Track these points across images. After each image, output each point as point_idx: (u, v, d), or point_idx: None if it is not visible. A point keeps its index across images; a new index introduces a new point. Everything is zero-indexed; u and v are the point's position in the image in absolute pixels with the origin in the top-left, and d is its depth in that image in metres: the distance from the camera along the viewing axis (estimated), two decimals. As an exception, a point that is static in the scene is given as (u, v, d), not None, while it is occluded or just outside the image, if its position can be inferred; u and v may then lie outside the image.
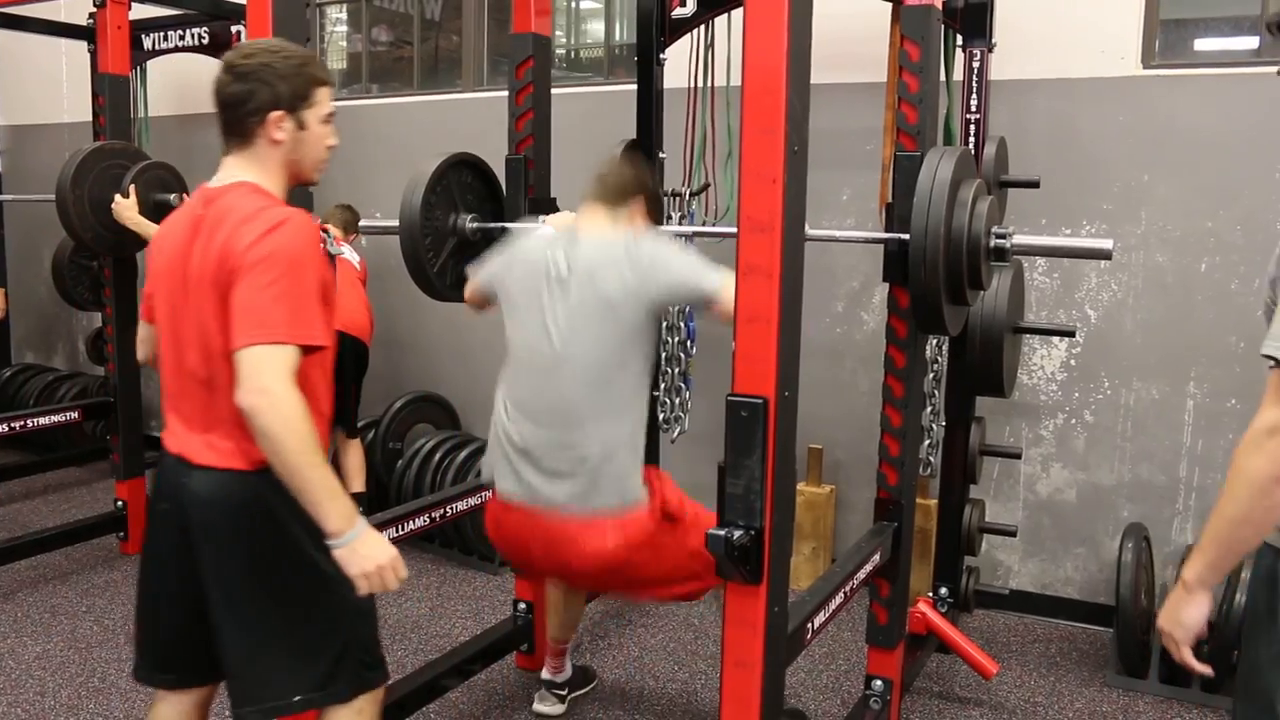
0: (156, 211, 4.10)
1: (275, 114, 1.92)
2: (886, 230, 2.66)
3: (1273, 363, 1.54)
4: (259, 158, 1.96)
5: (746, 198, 1.84)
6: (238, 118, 1.93)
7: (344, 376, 4.10)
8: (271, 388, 1.74)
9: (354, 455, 4.44)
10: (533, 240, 2.68)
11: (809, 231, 2.06)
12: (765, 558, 1.90)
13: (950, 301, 2.45)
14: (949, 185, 2.35)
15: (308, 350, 1.84)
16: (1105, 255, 2.52)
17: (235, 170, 1.97)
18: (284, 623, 1.97)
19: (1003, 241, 2.48)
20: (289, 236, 1.84)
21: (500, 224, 3.14)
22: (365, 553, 1.84)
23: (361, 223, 4.27)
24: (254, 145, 1.96)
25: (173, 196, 4.17)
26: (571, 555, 2.49)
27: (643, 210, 2.69)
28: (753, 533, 1.88)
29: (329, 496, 1.80)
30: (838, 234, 2.85)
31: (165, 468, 2.02)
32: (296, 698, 1.97)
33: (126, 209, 3.97)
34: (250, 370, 1.76)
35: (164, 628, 2.09)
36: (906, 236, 2.44)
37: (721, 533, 1.85)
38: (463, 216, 3.12)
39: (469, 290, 2.86)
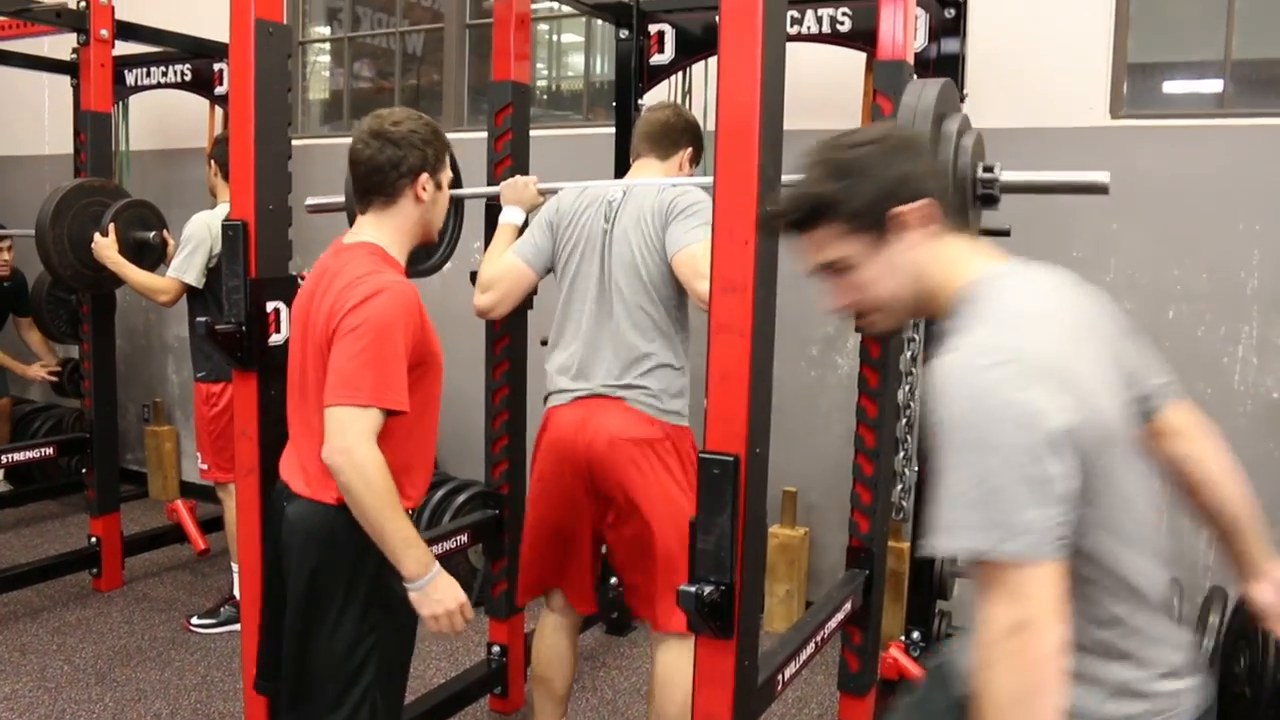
0: (136, 250, 4.12)
1: (423, 176, 2.16)
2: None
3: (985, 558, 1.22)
4: (399, 216, 2.18)
5: (719, 259, 1.87)
6: (389, 180, 2.14)
7: None
8: (353, 447, 1.93)
9: None
10: (585, 195, 2.76)
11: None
12: (736, 613, 1.92)
13: None
14: (931, 118, 2.17)
15: (390, 413, 1.99)
16: (1101, 189, 2.31)
17: (367, 230, 2.18)
18: (325, 654, 2.10)
19: (990, 176, 2.27)
20: (384, 305, 2.00)
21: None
22: (438, 597, 2.05)
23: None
24: (397, 205, 2.17)
25: (152, 235, 4.19)
26: (611, 426, 2.56)
27: (690, 156, 2.83)
28: (723, 588, 1.90)
29: (405, 546, 2.00)
30: None
31: (275, 491, 2.24)
32: None
33: (106, 248, 3.98)
34: (336, 429, 1.96)
35: (272, 641, 2.27)
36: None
37: (692, 589, 1.87)
38: None
39: (493, 279, 2.79)
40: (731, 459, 1.86)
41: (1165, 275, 3.69)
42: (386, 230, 2.17)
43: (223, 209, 3.90)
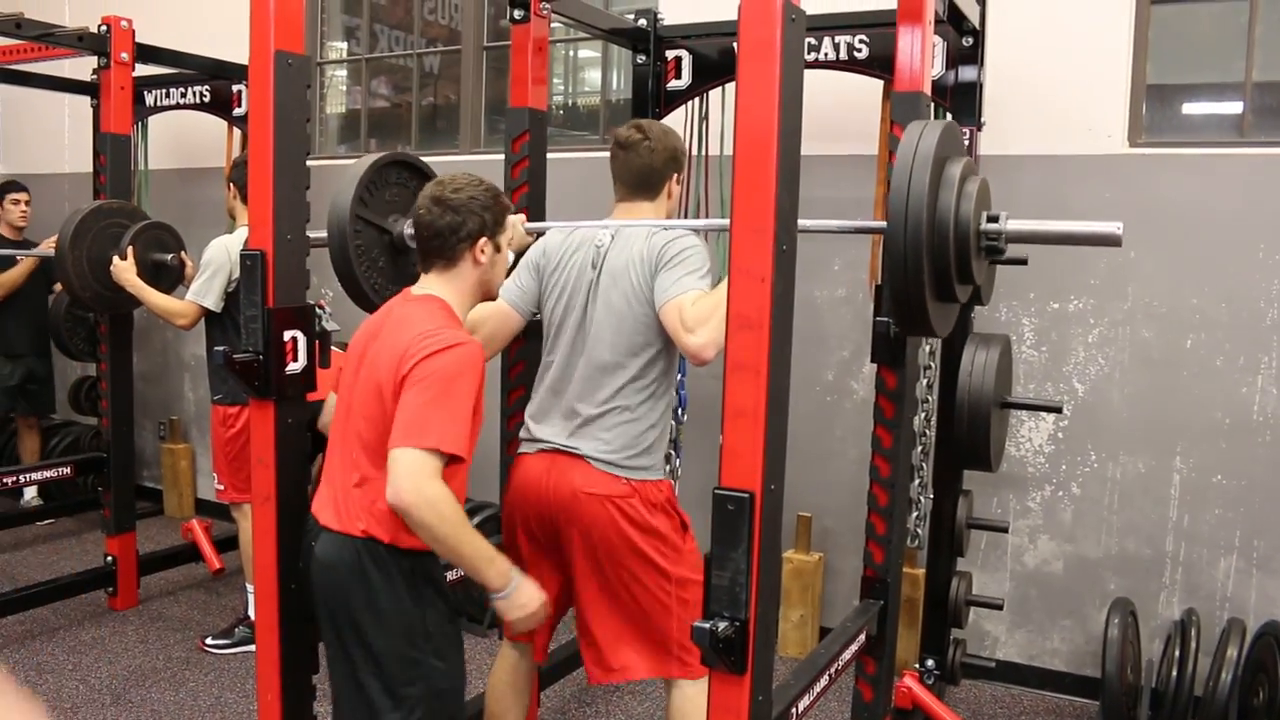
0: (155, 272, 4.15)
1: (481, 240, 2.26)
2: (876, 312, 2.70)
3: None
4: (460, 278, 2.29)
5: (735, 295, 1.87)
6: (450, 244, 2.25)
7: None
8: (422, 487, 2.03)
9: None
10: (573, 237, 2.68)
11: (802, 223, 2.01)
12: (750, 648, 1.92)
13: (936, 298, 2.10)
14: (932, 161, 2.01)
15: (451, 460, 2.08)
16: (1114, 241, 2.14)
17: (434, 285, 2.29)
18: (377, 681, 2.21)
19: (995, 226, 2.12)
20: (456, 359, 2.11)
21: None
22: (522, 602, 2.23)
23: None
24: (458, 267, 2.28)
25: (170, 257, 4.21)
26: (578, 485, 2.47)
27: (677, 179, 2.71)
28: (738, 624, 1.89)
29: (486, 564, 2.16)
30: (820, 224, 2.48)
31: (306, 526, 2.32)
32: None
33: (125, 271, 4.01)
34: (403, 470, 2.03)
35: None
36: (890, 321, 2.47)
37: (707, 625, 1.87)
38: (403, 221, 2.80)
39: (479, 321, 2.66)
40: (747, 496, 1.86)
41: (1184, 304, 3.67)
42: (451, 289, 2.29)
43: (241, 233, 3.92)
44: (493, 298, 2.43)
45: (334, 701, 2.32)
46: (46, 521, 5.66)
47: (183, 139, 5.65)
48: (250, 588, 4.09)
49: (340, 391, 2.33)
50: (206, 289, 3.89)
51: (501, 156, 3.35)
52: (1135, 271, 3.73)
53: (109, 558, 4.51)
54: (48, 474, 4.51)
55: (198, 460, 5.93)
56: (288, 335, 2.42)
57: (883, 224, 2.13)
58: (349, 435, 2.24)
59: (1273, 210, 3.53)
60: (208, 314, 3.95)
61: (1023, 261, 3.42)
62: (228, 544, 4.63)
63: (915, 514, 3.52)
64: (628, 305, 2.50)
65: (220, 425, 4.03)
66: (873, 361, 2.74)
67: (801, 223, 2.03)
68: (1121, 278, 3.75)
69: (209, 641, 4.16)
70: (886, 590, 2.85)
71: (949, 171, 2.05)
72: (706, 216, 4.02)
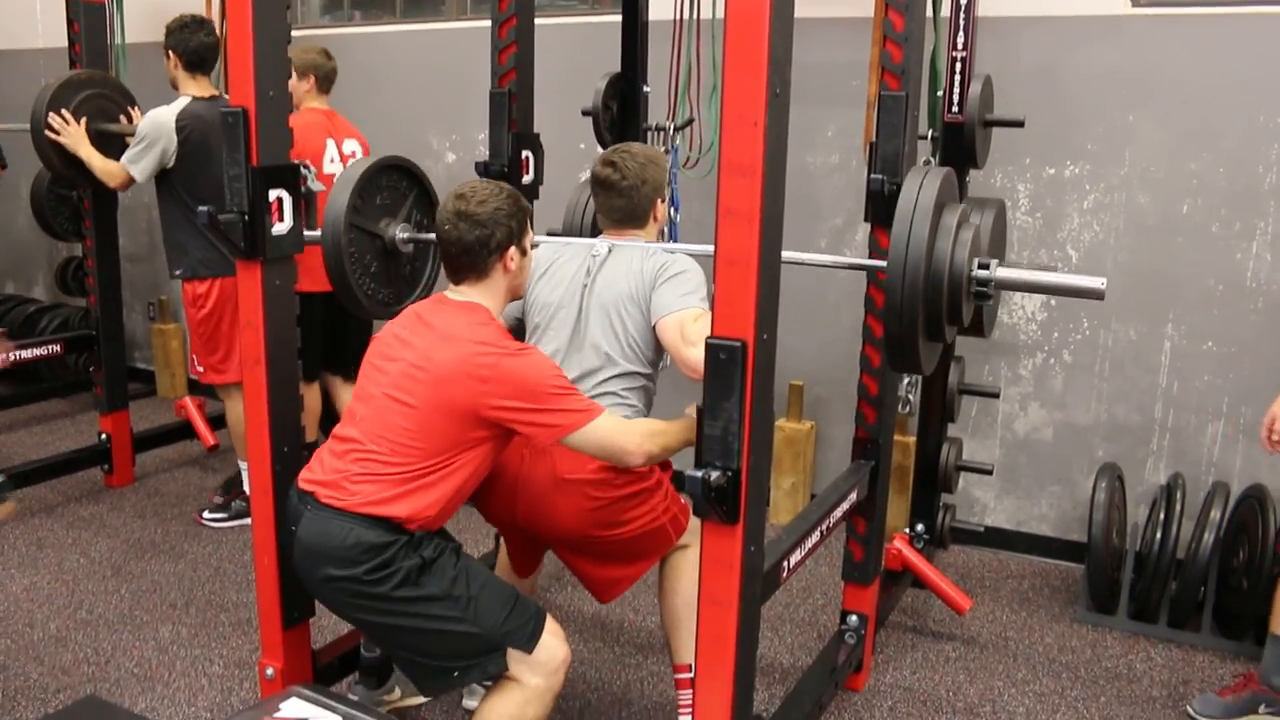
0: (102, 140, 4.07)
1: (510, 249, 2.30)
2: (870, 170, 2.66)
3: None
4: (492, 287, 2.33)
5: (727, 141, 1.83)
6: (480, 258, 2.28)
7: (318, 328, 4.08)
8: (627, 448, 2.23)
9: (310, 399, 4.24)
10: (564, 254, 2.68)
11: (786, 255, 2.03)
12: (742, 498, 1.93)
13: (926, 338, 2.22)
14: (931, 211, 2.12)
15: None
16: (1097, 295, 2.22)
17: (471, 292, 2.33)
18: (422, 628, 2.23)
19: (986, 274, 2.21)
20: (529, 362, 2.22)
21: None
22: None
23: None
24: (490, 278, 2.32)
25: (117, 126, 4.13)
26: (559, 470, 2.46)
27: (660, 202, 2.71)
28: (730, 473, 1.90)
29: (679, 443, 2.32)
30: (811, 258, 2.59)
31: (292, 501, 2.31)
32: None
33: (75, 138, 3.96)
34: (600, 446, 2.23)
35: None
36: (884, 178, 2.44)
37: (699, 473, 1.87)
38: (393, 225, 2.75)
39: None
40: (739, 344, 1.84)
41: (1181, 169, 3.63)
42: (486, 296, 2.33)
43: (179, 103, 3.85)
44: (520, 296, 2.48)
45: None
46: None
47: (160, 10, 5.46)
48: (243, 464, 4.10)
49: (361, 380, 2.35)
50: (137, 158, 3.82)
51: (488, 23, 3.26)
52: (1133, 137, 3.68)
53: (103, 435, 4.53)
54: (37, 351, 4.48)
55: (188, 340, 5.91)
56: (273, 195, 2.37)
57: (879, 263, 2.29)
58: (363, 417, 2.26)
59: (1275, 73, 3.46)
60: (158, 187, 3.91)
61: (1019, 124, 3.37)
62: (221, 421, 4.64)
63: (907, 380, 3.52)
64: (623, 310, 2.51)
65: (191, 306, 3.98)
66: (866, 221, 2.70)
67: (798, 256, 2.32)
68: (1119, 143, 3.70)
69: (206, 516, 4.20)
70: (878, 451, 2.87)
71: (946, 219, 2.18)
72: (699, 82, 3.94)
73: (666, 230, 3.74)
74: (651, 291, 2.50)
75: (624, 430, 2.25)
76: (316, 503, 2.20)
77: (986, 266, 2.22)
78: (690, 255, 2.57)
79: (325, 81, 4.17)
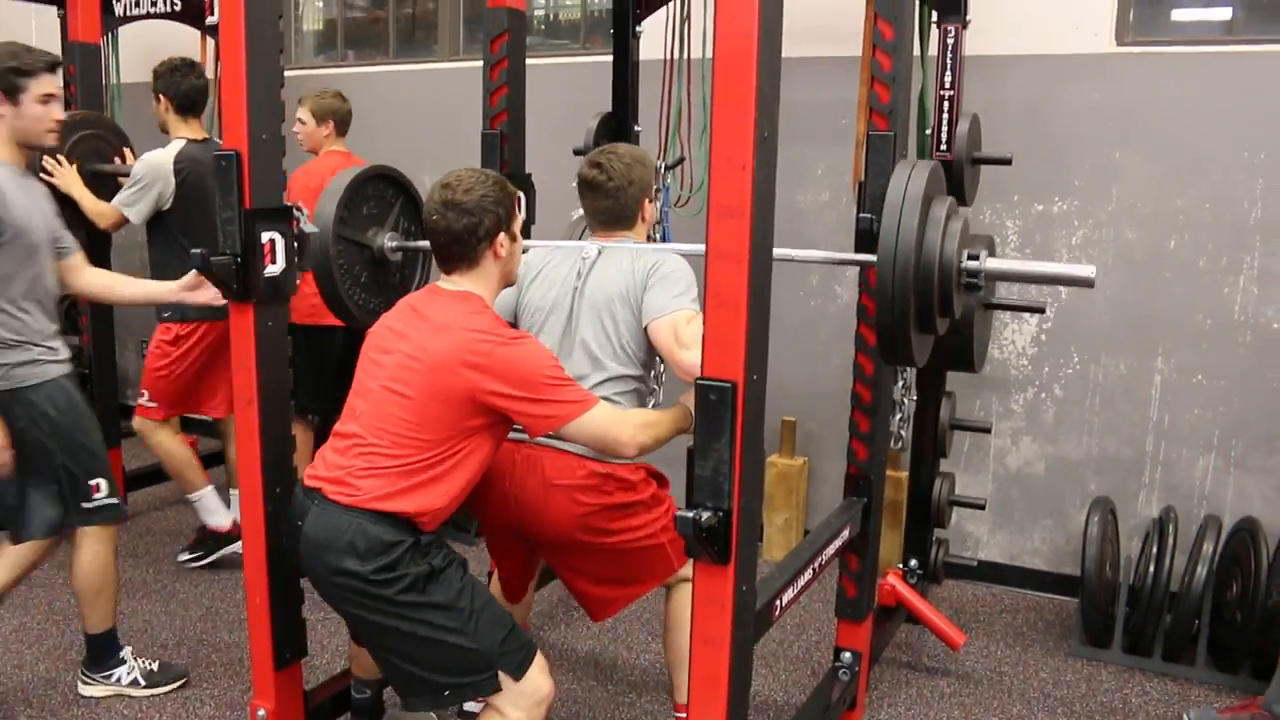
0: (95, 180, 4.10)
1: (499, 236, 2.29)
2: (859, 209, 2.68)
3: None
4: (484, 275, 2.32)
5: (716, 183, 1.85)
6: (470, 246, 2.27)
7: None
8: (620, 439, 2.23)
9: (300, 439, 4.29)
10: (555, 257, 2.69)
11: (778, 252, 2.03)
12: (733, 538, 1.93)
13: (918, 330, 2.21)
14: (920, 202, 2.11)
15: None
16: (1087, 283, 2.20)
17: (463, 281, 2.32)
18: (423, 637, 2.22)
19: (975, 264, 2.21)
20: (527, 350, 2.22)
21: (424, 244, 2.82)
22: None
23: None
24: (480, 266, 2.31)
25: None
26: (549, 476, 2.47)
27: (649, 201, 2.72)
28: (721, 514, 1.90)
29: (671, 431, 2.36)
30: (803, 254, 2.62)
31: (296, 499, 2.30)
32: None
33: (68, 180, 3.96)
34: (596, 435, 2.23)
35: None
36: (873, 217, 2.46)
37: (690, 514, 1.88)
38: (381, 234, 2.79)
39: None
40: (729, 385, 1.85)
41: (1168, 205, 3.67)
42: (479, 284, 2.33)
43: (174, 146, 3.86)
44: (513, 283, 2.46)
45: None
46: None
47: (154, 51, 5.49)
48: (191, 497, 4.08)
49: (358, 375, 2.34)
50: (133, 200, 3.82)
51: (480, 64, 3.29)
52: (1120, 173, 3.72)
53: (95, 474, 4.49)
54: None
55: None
56: (265, 237, 2.38)
57: (869, 257, 2.29)
58: (362, 411, 2.26)
59: (1260, 109, 3.51)
60: (150, 228, 3.92)
61: (1007, 161, 3.40)
62: (214, 460, 4.63)
63: (899, 415, 3.53)
64: (614, 310, 2.52)
65: (169, 343, 3.94)
66: (856, 251, 2.72)
67: (790, 253, 2.28)
68: (1106, 179, 3.73)
69: (180, 558, 4.16)
70: (870, 487, 2.87)
71: (934, 211, 2.16)
72: (690, 121, 3.98)
73: (659, 234, 3.76)
74: (643, 292, 2.50)
75: (618, 421, 2.26)
76: (323, 498, 2.20)
77: (976, 257, 2.22)
78: (680, 255, 2.58)
79: (343, 125, 4.24)
